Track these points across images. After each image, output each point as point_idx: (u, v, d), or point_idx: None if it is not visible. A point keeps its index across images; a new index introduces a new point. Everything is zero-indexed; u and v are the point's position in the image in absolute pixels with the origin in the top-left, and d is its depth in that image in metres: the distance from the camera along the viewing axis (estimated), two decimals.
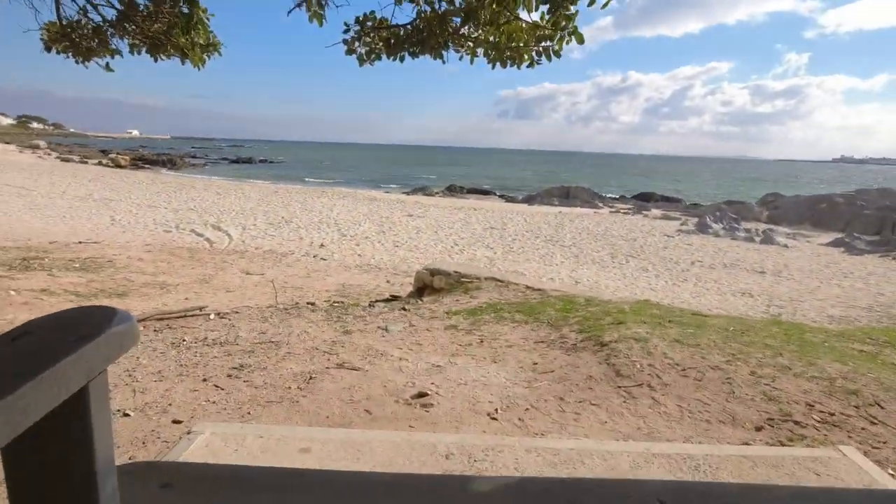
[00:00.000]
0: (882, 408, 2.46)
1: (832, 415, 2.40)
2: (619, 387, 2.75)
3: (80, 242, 9.34)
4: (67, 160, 39.81)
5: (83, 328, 0.42)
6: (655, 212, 26.63)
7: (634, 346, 3.22)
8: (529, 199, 31.63)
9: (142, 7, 4.62)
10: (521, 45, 3.92)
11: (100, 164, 39.22)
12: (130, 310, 4.50)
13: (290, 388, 2.67)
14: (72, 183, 22.52)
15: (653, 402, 2.57)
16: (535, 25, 3.88)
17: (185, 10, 4.41)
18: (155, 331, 3.64)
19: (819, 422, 2.37)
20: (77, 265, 6.84)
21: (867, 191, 24.36)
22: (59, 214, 13.83)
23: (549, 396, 2.69)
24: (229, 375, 2.82)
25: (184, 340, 3.39)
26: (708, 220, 19.71)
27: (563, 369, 3.05)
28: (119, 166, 38.33)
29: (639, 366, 2.95)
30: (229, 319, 4.03)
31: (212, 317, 4.15)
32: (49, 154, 43.85)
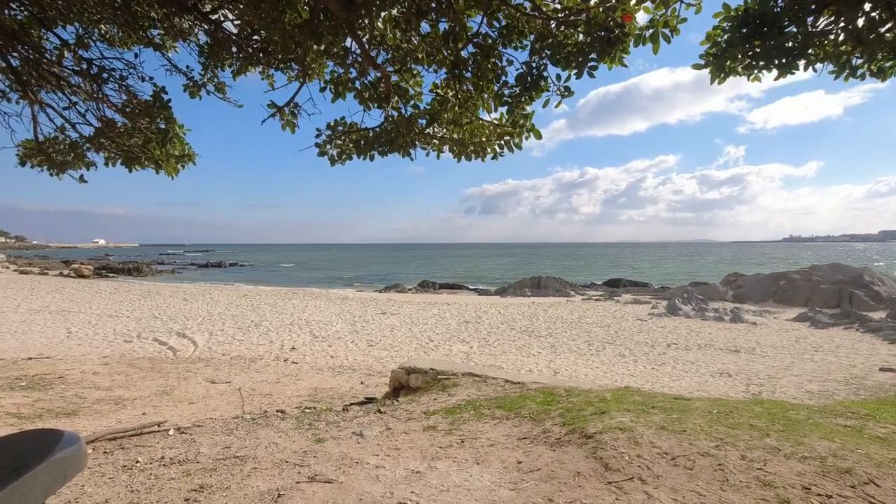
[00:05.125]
0: (878, 486, 2.38)
1: (830, 497, 2.30)
2: (610, 482, 2.60)
3: (29, 359, 8.76)
4: (26, 272, 38.61)
5: (20, 457, 0.36)
6: (626, 297, 27.17)
7: (620, 436, 3.10)
8: (502, 292, 31.95)
9: (119, 124, 4.80)
10: (484, 140, 4.20)
11: (61, 274, 38.16)
12: (79, 430, 4.10)
13: None
14: (28, 296, 21.64)
15: (646, 496, 2.42)
16: (496, 124, 4.19)
17: (162, 126, 4.60)
18: (105, 452, 3.31)
19: None
20: (23, 384, 6.35)
21: (820, 267, 25.66)
22: (11, 329, 13.09)
23: (536, 498, 2.51)
24: (186, 500, 2.54)
25: (137, 462, 3.09)
26: (677, 302, 20.17)
27: (549, 467, 2.88)
28: (82, 276, 37.28)
29: (627, 457, 2.82)
30: (190, 434, 3.72)
31: (171, 433, 3.82)
32: (7, 267, 42.57)
